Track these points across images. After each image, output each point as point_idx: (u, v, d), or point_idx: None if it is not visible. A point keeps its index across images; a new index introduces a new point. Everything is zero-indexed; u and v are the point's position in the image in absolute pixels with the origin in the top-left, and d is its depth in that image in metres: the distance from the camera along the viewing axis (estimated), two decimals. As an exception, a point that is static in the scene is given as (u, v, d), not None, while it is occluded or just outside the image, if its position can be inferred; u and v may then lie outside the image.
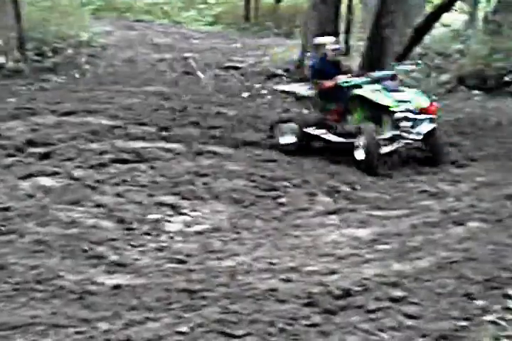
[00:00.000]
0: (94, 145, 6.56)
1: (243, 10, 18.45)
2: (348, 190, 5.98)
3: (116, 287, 3.72)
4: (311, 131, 7.15)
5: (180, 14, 18.81)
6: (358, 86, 6.94)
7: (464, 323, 3.15)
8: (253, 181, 5.98)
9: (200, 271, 4.00)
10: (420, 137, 6.74)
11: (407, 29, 12.59)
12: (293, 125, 7.24)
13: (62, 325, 3.24)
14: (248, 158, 6.72)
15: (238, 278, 3.87)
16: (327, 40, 7.59)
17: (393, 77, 7.22)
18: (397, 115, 6.63)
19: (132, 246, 4.38)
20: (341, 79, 7.02)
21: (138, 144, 6.74)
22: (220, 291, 3.66)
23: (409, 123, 6.66)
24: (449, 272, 3.88)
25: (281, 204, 5.45)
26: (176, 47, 13.59)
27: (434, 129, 6.84)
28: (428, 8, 12.31)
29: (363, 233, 4.79)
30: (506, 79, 11.97)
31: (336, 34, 11.01)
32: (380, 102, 6.76)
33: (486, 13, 14.54)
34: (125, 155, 6.34)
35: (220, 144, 7.11)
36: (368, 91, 6.86)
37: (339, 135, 7.07)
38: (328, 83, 7.07)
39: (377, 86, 6.89)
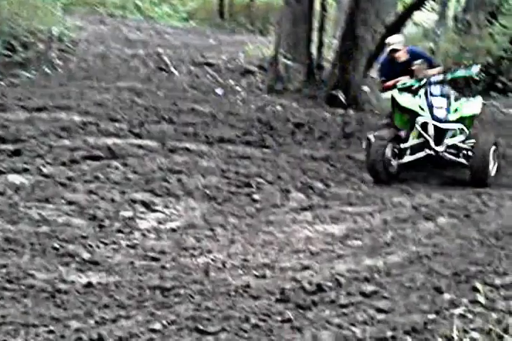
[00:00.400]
0: (65, 142, 6.47)
1: (217, 6, 18.41)
2: (321, 186, 6.05)
3: (88, 285, 3.67)
4: (369, 135, 6.85)
5: (154, 9, 18.68)
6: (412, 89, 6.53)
7: (433, 316, 3.18)
8: (227, 178, 6.00)
9: (174, 268, 3.98)
10: (442, 149, 6.25)
11: (379, 27, 12.65)
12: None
13: (33, 324, 3.19)
14: (222, 155, 6.72)
15: (212, 275, 3.86)
16: (392, 39, 7.18)
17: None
18: (418, 121, 6.29)
19: (104, 243, 4.33)
20: (400, 80, 6.70)
21: (110, 141, 6.68)
22: (193, 288, 3.65)
23: (432, 132, 6.23)
24: (419, 267, 3.92)
25: (255, 200, 5.48)
26: (149, 42, 13.48)
27: (475, 143, 6.26)
28: (400, 7, 12.42)
29: (336, 229, 4.84)
30: (476, 78, 12.14)
31: (309, 31, 11.08)
32: (403, 105, 6.48)
33: (456, 13, 14.76)
34: (97, 152, 6.28)
35: (194, 141, 7.10)
36: (398, 94, 6.56)
37: None
38: (388, 83, 6.86)
39: (423, 90, 6.48)
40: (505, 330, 2.86)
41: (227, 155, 6.73)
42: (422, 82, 6.59)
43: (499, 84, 12.45)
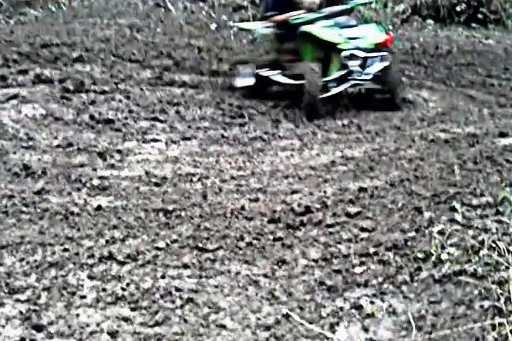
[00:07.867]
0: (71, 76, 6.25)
1: None
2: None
3: (98, 208, 3.67)
4: (264, 72, 6.27)
5: None
6: (311, 22, 5.93)
7: (413, 234, 3.15)
8: (221, 109, 5.85)
9: (175, 192, 3.96)
10: (369, 77, 5.79)
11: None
12: (250, 66, 6.36)
13: (49, 243, 3.21)
14: (216, 88, 6.54)
15: (209, 199, 3.85)
16: None
17: (350, 11, 6.28)
18: (344, 53, 5.75)
19: (111, 171, 4.28)
20: (293, 15, 6.02)
21: (114, 74, 6.48)
22: (193, 211, 3.65)
23: (357, 62, 5.74)
24: (401, 189, 3.85)
25: (248, 130, 5.34)
26: (146, -20, 12.88)
27: (388, 67, 5.90)
28: None
29: (323, 156, 4.74)
30: (458, 9, 11.80)
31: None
32: (326, 39, 5.85)
33: None
34: (102, 86, 6.09)
35: (190, 74, 6.88)
36: (316, 28, 5.89)
37: (291, 76, 6.09)
38: (278, 18, 6.11)
39: (328, 22, 5.93)
40: (481, 245, 2.82)
41: (222, 88, 6.55)
42: (317, 15, 5.97)
43: (480, 16, 11.88)
